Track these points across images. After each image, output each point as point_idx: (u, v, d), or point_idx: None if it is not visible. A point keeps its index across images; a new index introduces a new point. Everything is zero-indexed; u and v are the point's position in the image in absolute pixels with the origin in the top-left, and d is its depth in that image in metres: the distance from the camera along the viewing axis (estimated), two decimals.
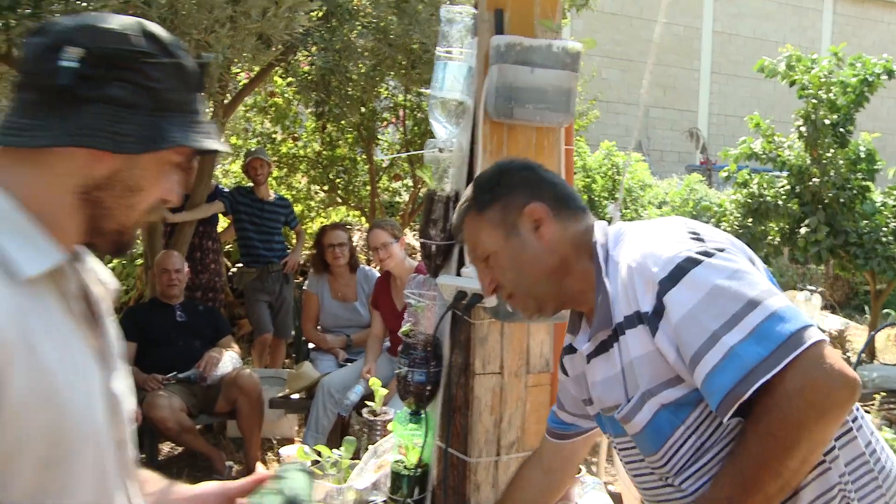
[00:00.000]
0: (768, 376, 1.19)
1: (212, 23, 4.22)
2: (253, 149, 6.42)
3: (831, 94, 6.91)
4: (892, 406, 5.34)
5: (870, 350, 7.60)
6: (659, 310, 1.31)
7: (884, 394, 5.01)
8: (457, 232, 1.62)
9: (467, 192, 1.59)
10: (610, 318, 1.42)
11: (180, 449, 4.74)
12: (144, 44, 1.07)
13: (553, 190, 1.54)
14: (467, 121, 2.09)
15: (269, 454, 4.73)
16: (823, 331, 1.28)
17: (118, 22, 1.07)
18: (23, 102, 1.05)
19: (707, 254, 1.31)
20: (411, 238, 7.58)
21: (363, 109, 6.58)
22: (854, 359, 6.91)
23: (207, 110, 5.69)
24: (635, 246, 1.40)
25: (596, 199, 8.97)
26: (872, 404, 4.86)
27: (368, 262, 6.71)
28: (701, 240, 1.35)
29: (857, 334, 8.63)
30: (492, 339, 2.06)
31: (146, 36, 1.07)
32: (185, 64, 1.11)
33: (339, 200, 7.74)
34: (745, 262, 1.33)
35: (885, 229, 6.99)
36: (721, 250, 1.33)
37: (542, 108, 2.00)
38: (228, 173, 7.79)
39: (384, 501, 2.45)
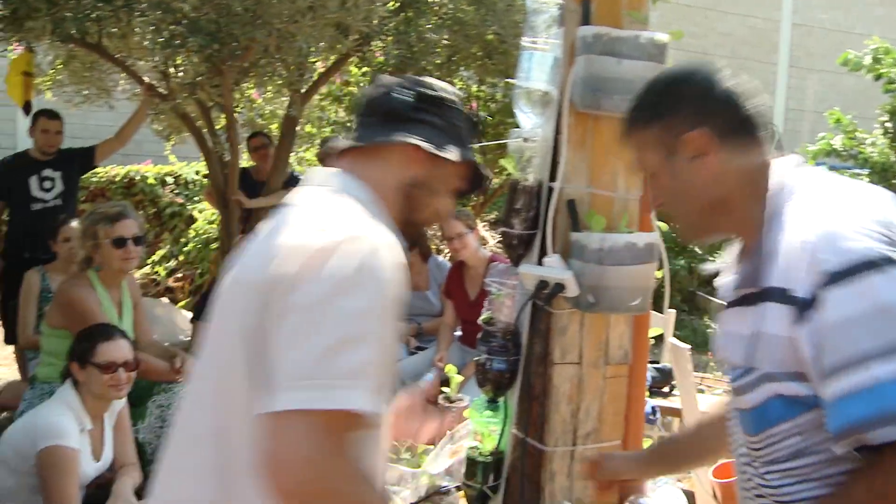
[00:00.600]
0: None
1: (293, 12, 4.30)
2: (328, 137, 6.52)
3: None
4: None
5: None
6: (814, 301, 1.17)
7: None
8: (622, 140, 1.54)
9: (634, 101, 1.50)
10: (759, 278, 1.29)
11: None
12: (444, 95, 1.53)
13: (726, 112, 1.38)
14: (552, 111, 2.09)
15: None
16: None
17: (428, 80, 1.55)
18: (365, 124, 1.50)
19: (892, 262, 1.13)
20: (481, 228, 7.59)
21: None
22: None
23: (285, 98, 5.96)
24: (816, 216, 1.23)
25: None
26: None
27: (439, 252, 6.75)
28: (891, 243, 1.16)
29: None
30: (571, 329, 2.06)
31: (443, 90, 1.54)
32: (465, 112, 1.56)
33: None
34: None
35: None
36: None
37: (628, 100, 1.98)
38: (303, 161, 7.92)
39: (457, 487, 2.48)
